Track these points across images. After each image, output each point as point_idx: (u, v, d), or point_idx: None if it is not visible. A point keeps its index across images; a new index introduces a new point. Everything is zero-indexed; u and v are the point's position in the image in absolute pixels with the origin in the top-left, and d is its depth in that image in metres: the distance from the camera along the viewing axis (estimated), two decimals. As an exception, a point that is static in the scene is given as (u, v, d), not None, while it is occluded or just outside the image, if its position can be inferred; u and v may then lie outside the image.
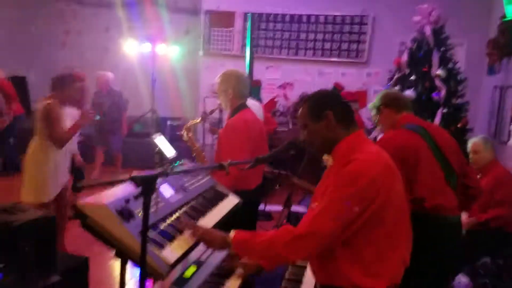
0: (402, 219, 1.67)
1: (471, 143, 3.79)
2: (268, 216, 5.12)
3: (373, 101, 2.67)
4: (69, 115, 3.51)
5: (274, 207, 4.51)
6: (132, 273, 3.84)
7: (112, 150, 6.66)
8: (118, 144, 6.66)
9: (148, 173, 1.24)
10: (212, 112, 3.36)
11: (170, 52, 7.95)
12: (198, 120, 3.41)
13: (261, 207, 4.13)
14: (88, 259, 2.99)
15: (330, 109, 1.67)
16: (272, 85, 7.70)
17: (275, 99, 7.69)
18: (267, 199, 4.85)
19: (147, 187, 1.22)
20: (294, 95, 7.68)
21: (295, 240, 1.55)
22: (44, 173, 3.44)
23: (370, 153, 1.64)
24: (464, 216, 3.72)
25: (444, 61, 5.09)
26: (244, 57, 6.08)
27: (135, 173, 1.72)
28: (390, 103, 2.55)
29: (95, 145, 6.61)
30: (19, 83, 8.54)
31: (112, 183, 1.22)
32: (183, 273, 1.84)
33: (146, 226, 1.19)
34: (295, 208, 3.66)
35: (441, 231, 2.32)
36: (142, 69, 7.95)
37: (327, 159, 1.73)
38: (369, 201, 1.53)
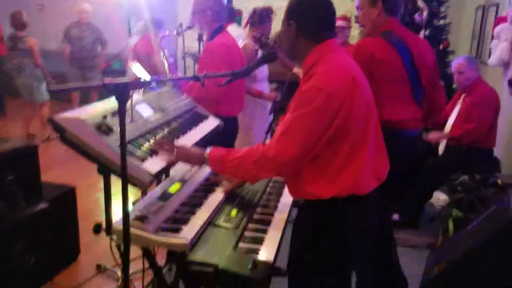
0: (371, 133, 1.61)
1: (455, 63, 3.77)
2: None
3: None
4: None
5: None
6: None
7: None
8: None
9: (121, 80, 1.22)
10: (189, 28, 3.23)
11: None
12: (173, 32, 3.33)
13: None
14: (75, 188, 3.03)
15: (296, 21, 1.59)
16: (253, 15, 7.44)
17: (257, 30, 7.46)
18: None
19: (121, 95, 1.20)
20: (277, 25, 7.43)
21: (263, 160, 1.54)
22: None
23: (333, 65, 1.55)
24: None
25: (426, -20, 4.97)
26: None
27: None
28: (387, 2, 2.31)
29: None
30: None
31: (84, 88, 1.20)
32: (167, 189, 1.89)
33: (123, 131, 1.19)
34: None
35: (399, 144, 2.20)
36: (114, 2, 7.59)
37: (298, 71, 1.70)
38: (331, 116, 1.49)
